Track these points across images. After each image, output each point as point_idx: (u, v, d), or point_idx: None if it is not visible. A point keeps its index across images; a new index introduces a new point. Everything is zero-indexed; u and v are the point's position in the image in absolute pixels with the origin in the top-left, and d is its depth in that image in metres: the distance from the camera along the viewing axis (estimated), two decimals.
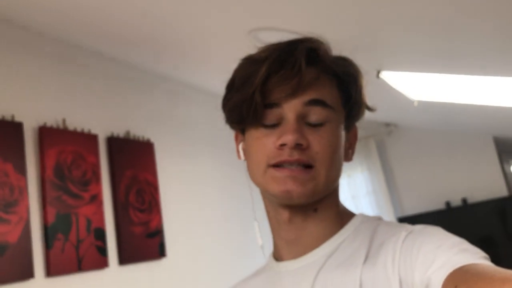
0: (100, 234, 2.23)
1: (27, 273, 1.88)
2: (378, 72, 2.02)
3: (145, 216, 2.52)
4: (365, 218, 0.74)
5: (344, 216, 0.74)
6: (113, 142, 2.45)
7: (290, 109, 0.66)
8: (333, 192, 0.73)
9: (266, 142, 0.67)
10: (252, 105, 0.66)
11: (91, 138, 2.31)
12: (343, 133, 0.71)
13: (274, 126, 0.67)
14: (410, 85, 2.36)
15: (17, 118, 2.00)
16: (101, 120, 2.44)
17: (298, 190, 0.65)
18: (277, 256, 0.76)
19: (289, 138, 0.64)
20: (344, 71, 0.71)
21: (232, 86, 0.70)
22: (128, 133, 2.58)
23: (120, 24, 2.17)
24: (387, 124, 4.52)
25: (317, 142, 0.66)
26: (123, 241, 2.34)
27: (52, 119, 2.16)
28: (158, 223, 2.60)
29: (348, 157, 0.76)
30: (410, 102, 2.70)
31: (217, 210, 3.17)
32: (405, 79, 2.21)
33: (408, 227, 0.66)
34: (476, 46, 1.79)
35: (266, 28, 1.93)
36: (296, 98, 0.66)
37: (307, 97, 0.66)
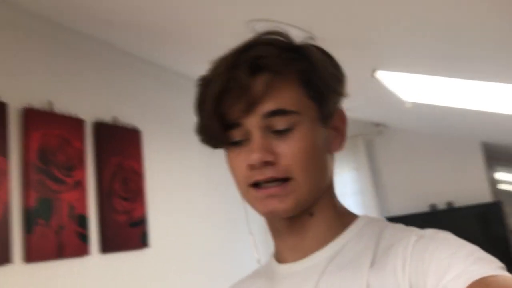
0: (82, 221, 2.18)
1: (4, 258, 1.83)
2: (373, 71, 1.99)
3: (129, 205, 2.48)
4: (369, 220, 0.71)
5: (346, 218, 0.71)
6: (100, 128, 2.40)
7: (251, 125, 0.64)
8: (327, 192, 0.70)
9: (239, 162, 0.66)
10: (214, 131, 0.65)
11: (78, 123, 2.26)
12: (320, 129, 0.67)
13: (244, 141, 0.65)
14: (404, 86, 2.35)
15: (2, 99, 1.94)
16: (89, 104, 2.39)
17: (280, 207, 0.64)
18: (279, 258, 0.74)
19: (253, 159, 0.62)
20: (299, 68, 0.65)
21: (196, 109, 0.69)
22: (115, 119, 2.53)
23: (113, 9, 2.12)
24: (377, 124, 4.52)
25: (287, 152, 0.63)
26: (105, 229, 2.30)
27: (38, 101, 2.11)
28: (142, 213, 2.56)
29: (336, 147, 0.71)
30: (402, 103, 2.70)
31: (203, 201, 3.14)
32: (399, 79, 2.20)
33: (418, 231, 0.64)
34: (473, 50, 1.78)
35: (264, 19, 1.90)
36: (254, 113, 0.63)
37: (264, 109, 0.63)
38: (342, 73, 0.70)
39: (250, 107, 0.63)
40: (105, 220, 2.31)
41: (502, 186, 6.38)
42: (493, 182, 4.84)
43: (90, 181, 2.30)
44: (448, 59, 1.88)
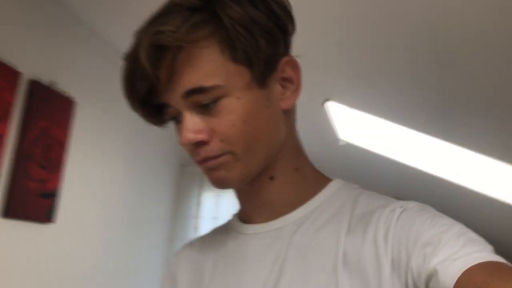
0: None
1: None
2: (326, 100, 2.01)
3: (45, 174, 2.33)
4: (344, 184, 0.69)
5: (317, 181, 0.69)
6: (36, 87, 2.26)
7: (177, 105, 0.59)
8: (287, 154, 0.66)
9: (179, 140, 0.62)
10: (140, 114, 0.63)
11: (14, 75, 2.12)
12: (257, 90, 0.60)
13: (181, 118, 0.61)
14: (345, 122, 2.43)
15: None
16: (30, 60, 2.25)
17: (224, 177, 0.61)
18: (245, 218, 0.71)
19: (182, 143, 0.59)
20: (206, 34, 0.57)
21: None
22: (53, 84, 2.40)
23: None
24: None
25: (218, 128, 0.58)
26: (14, 192, 2.14)
27: None
28: (56, 186, 2.41)
29: (288, 101, 0.63)
30: (336, 141, 2.78)
31: (123, 188, 3.03)
32: (344, 114, 2.27)
33: (401, 202, 0.60)
34: (434, 104, 1.81)
35: None
36: (173, 94, 0.58)
37: (181, 89, 0.57)
38: (279, 16, 0.60)
39: (165, 90, 0.58)
40: (16, 184, 2.15)
41: None
42: None
43: (11, 138, 2.14)
44: (400, 106, 1.94)
